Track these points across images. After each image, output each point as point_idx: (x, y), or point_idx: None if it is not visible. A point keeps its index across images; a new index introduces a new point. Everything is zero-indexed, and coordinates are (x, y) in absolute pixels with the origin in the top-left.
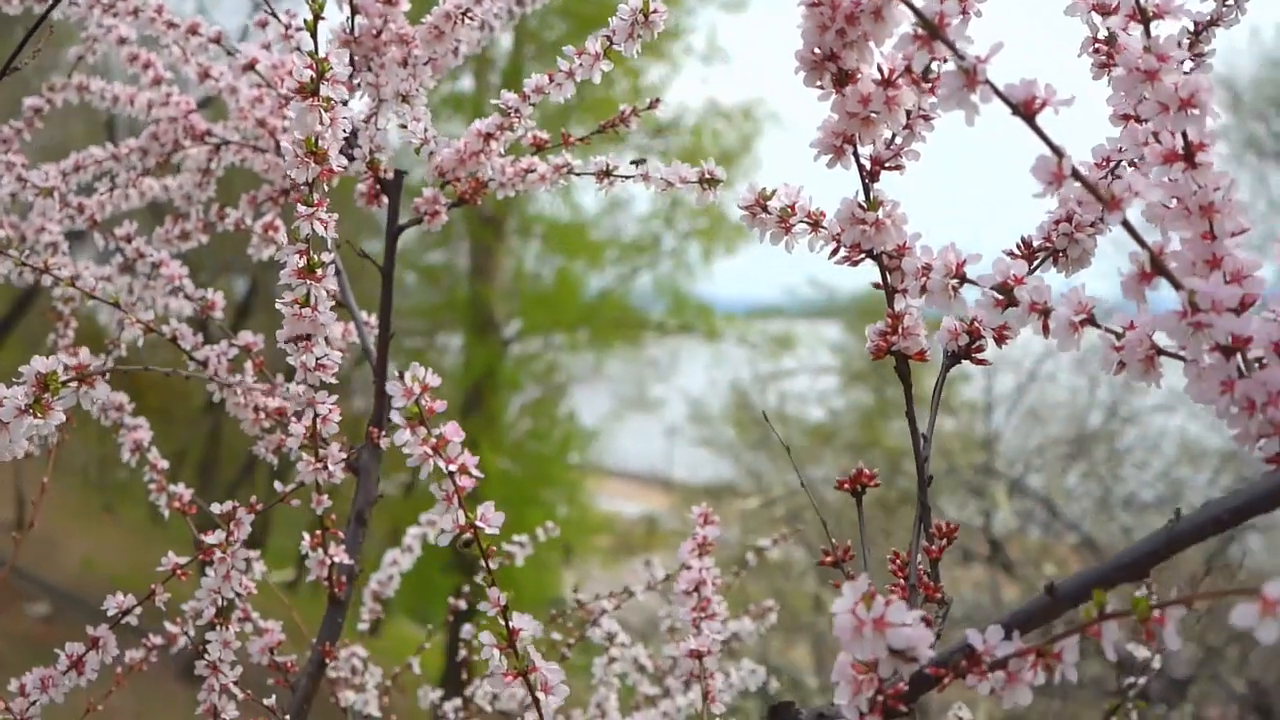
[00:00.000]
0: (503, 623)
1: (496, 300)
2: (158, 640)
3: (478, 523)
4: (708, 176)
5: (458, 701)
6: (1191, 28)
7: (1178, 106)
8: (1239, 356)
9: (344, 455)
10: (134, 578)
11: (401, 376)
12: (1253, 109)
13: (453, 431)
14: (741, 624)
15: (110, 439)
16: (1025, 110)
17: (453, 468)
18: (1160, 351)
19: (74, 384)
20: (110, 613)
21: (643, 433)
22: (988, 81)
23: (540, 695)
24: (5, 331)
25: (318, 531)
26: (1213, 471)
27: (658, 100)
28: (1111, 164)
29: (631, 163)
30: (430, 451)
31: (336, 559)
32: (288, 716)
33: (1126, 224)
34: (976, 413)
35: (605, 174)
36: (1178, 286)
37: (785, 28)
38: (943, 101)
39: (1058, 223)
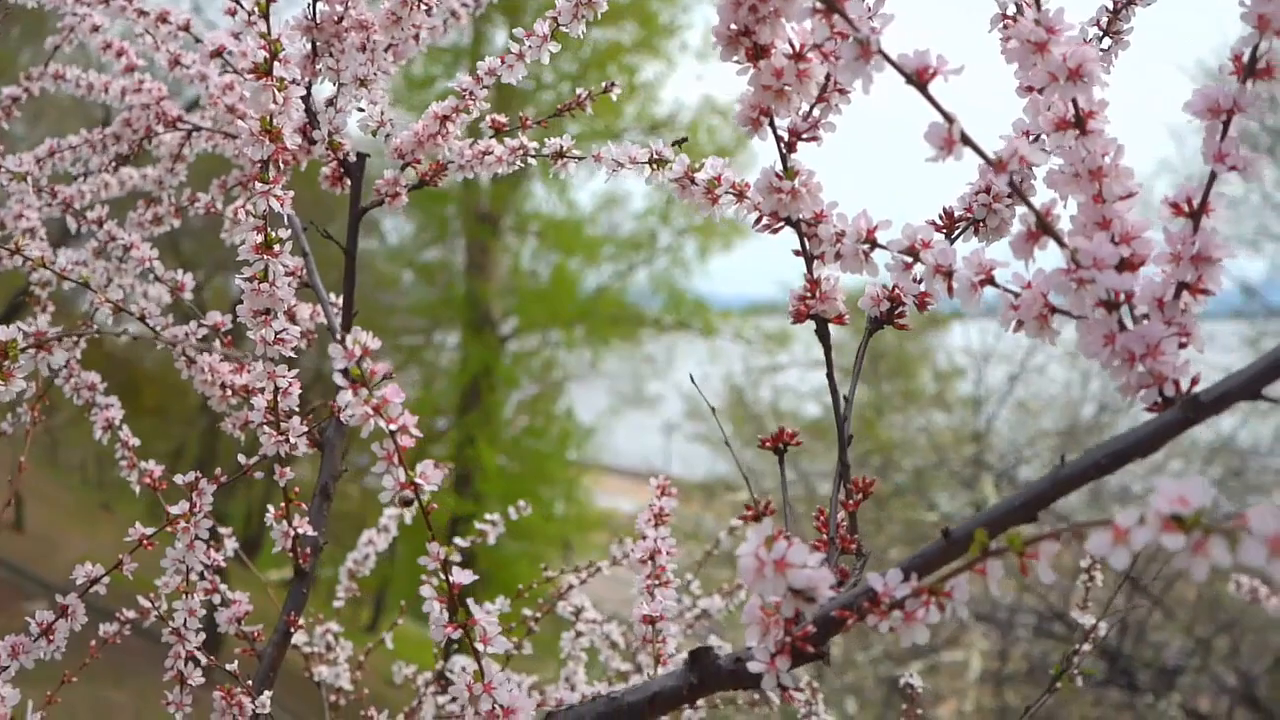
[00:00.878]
0: (443, 576)
1: (493, 297)
2: (130, 614)
3: (417, 480)
4: (656, 157)
5: (428, 675)
6: (1111, 6)
7: (1067, 76)
8: (1122, 311)
9: (305, 429)
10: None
11: (343, 341)
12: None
13: (393, 393)
14: (711, 601)
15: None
16: (918, 79)
17: (393, 427)
18: (1054, 309)
19: (32, 350)
20: (79, 582)
21: (640, 429)
22: (881, 52)
23: (479, 646)
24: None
25: (282, 504)
26: (1202, 463)
27: (613, 84)
28: (1031, 137)
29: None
30: (371, 412)
31: (300, 530)
32: (250, 681)
33: (1013, 185)
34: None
35: (559, 155)
36: (1063, 245)
37: None
38: (840, 72)
39: (977, 193)
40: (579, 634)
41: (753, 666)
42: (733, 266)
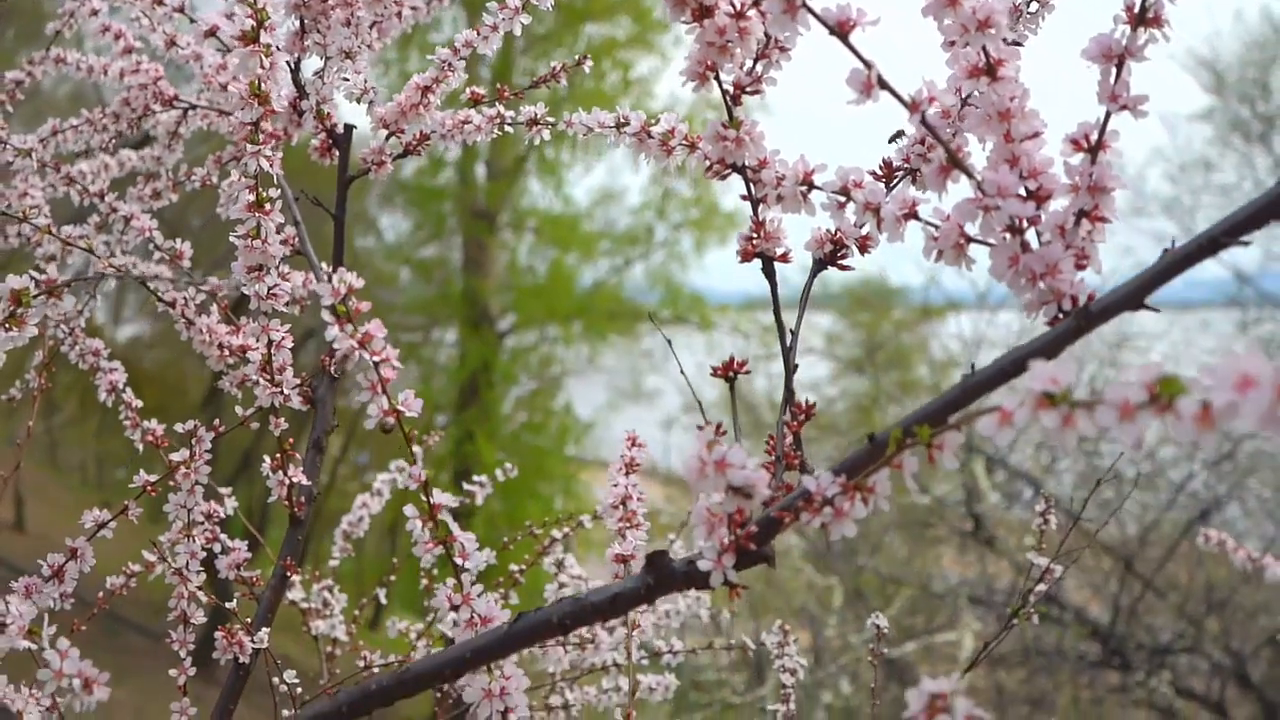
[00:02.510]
0: (424, 498)
1: (491, 294)
2: (135, 566)
3: (399, 406)
4: (622, 121)
5: (419, 626)
6: None
7: (976, 27)
8: (1029, 237)
9: (298, 381)
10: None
11: (330, 279)
12: (1237, 91)
13: (376, 328)
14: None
15: (108, 437)
16: (840, 30)
17: (377, 359)
18: (969, 239)
19: (43, 297)
20: (87, 525)
21: (638, 424)
22: (806, 6)
23: (459, 561)
24: None
25: (277, 455)
26: (1190, 446)
27: (585, 57)
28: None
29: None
30: (356, 345)
31: (295, 480)
32: (250, 620)
33: (925, 123)
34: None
35: (534, 122)
36: (971, 177)
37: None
38: (771, 26)
39: (913, 144)
40: (561, 585)
41: (702, 564)
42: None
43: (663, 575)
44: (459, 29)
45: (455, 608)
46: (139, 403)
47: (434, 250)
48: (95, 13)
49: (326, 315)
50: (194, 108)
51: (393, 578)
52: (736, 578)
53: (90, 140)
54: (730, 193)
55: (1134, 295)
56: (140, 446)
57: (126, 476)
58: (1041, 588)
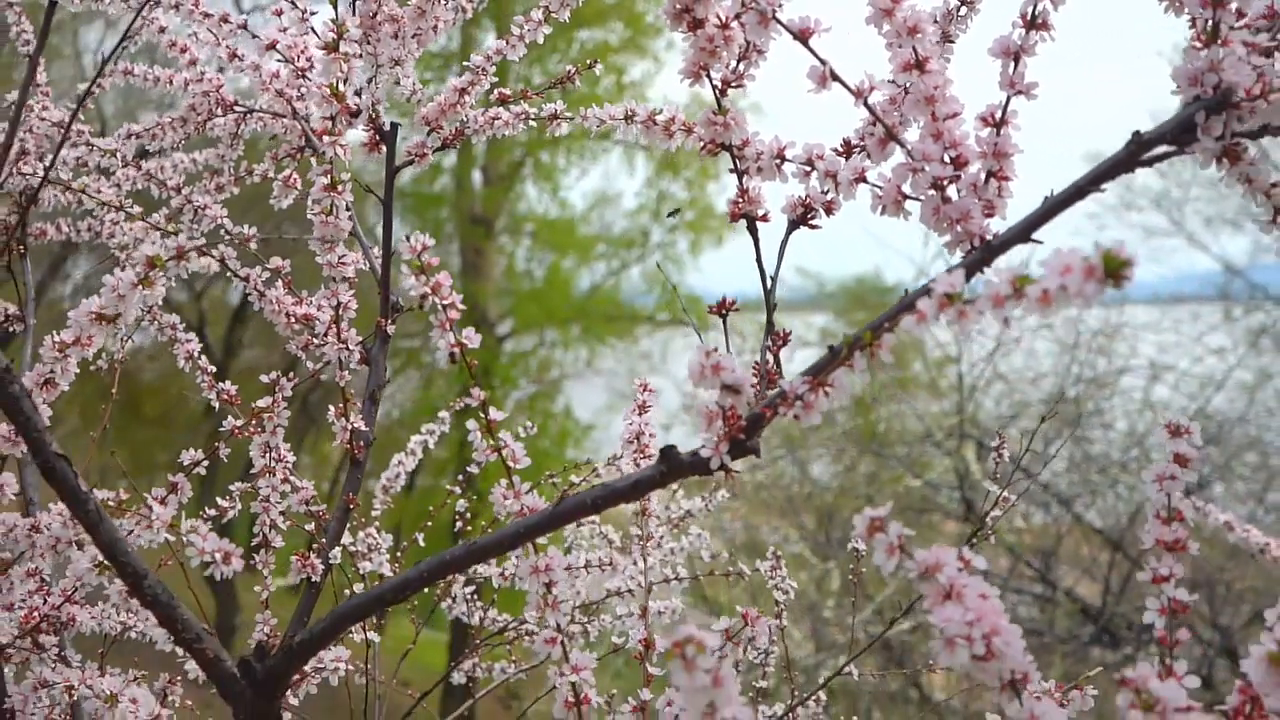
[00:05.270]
0: (483, 415)
1: (489, 299)
2: (212, 511)
3: (463, 340)
4: (630, 113)
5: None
6: None
7: (907, 33)
8: (948, 192)
9: (360, 339)
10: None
11: (408, 238)
12: None
13: (444, 279)
14: (693, 502)
15: (111, 448)
16: (802, 36)
17: (445, 302)
18: (904, 195)
19: (175, 260)
20: (185, 462)
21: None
22: (775, 18)
23: (510, 464)
24: None
25: (340, 405)
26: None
27: (595, 61)
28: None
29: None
30: (429, 291)
31: (356, 426)
32: (324, 540)
33: (868, 107)
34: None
35: (554, 117)
36: (903, 146)
37: None
38: (749, 34)
39: (865, 125)
40: (579, 525)
41: (703, 452)
42: (725, 261)
43: (673, 464)
44: (452, 38)
45: (506, 501)
46: (213, 368)
47: (432, 255)
48: (164, 30)
49: (405, 268)
50: (251, 111)
51: (429, 523)
52: (730, 463)
53: (162, 141)
54: (727, 195)
55: (1021, 233)
56: (216, 405)
57: (129, 488)
58: (997, 513)
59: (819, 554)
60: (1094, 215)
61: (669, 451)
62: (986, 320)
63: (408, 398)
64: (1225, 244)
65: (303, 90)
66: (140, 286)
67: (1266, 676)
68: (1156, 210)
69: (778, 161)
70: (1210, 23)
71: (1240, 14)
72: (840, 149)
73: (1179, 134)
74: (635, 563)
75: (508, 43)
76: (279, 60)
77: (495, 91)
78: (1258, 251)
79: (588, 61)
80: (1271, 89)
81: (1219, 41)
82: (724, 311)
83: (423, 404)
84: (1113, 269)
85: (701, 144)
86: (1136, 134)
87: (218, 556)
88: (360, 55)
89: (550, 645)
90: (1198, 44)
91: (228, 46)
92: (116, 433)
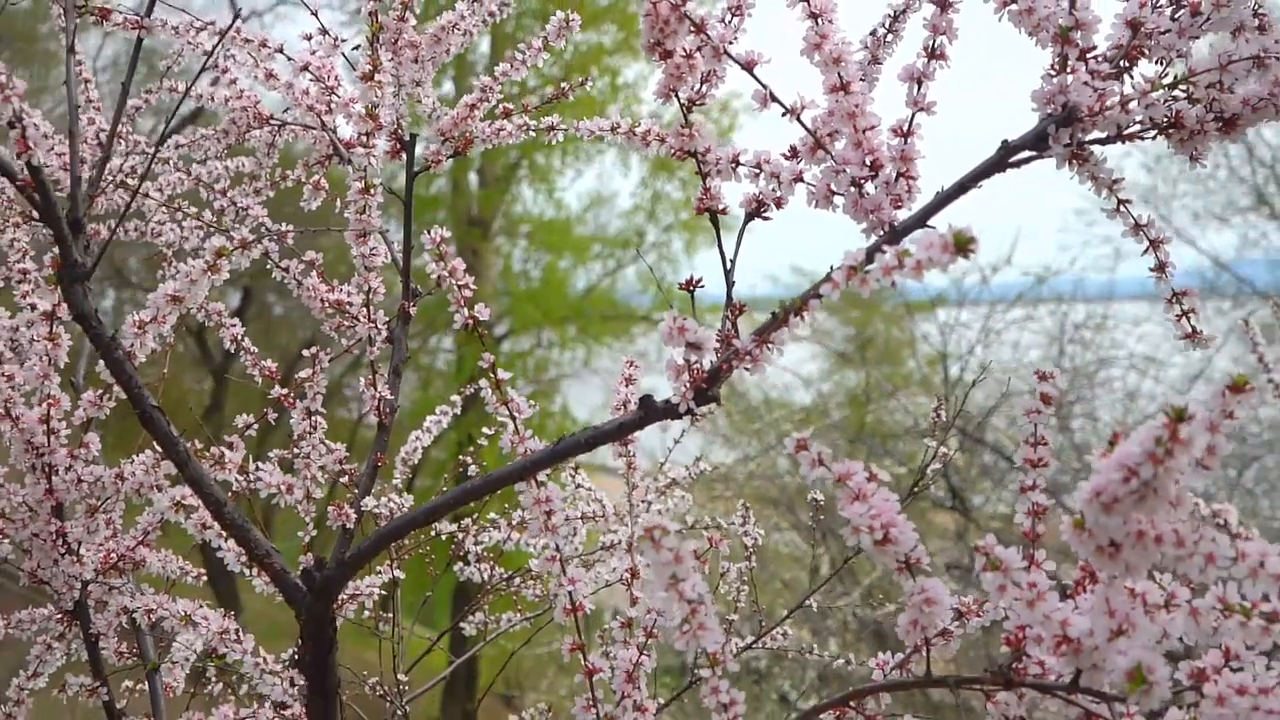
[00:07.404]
0: (493, 375)
1: (486, 300)
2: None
3: (475, 314)
4: (615, 125)
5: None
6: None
7: (833, 62)
8: (866, 189)
9: (387, 319)
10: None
11: (429, 231)
12: None
13: (459, 263)
14: (678, 471)
15: (116, 454)
16: (747, 65)
17: (460, 283)
18: (833, 192)
19: (238, 250)
20: (240, 425)
21: None
22: (726, 52)
23: (515, 414)
24: None
25: (369, 376)
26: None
27: (585, 79)
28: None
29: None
30: (447, 274)
31: (383, 394)
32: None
33: (799, 120)
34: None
35: (552, 128)
36: (828, 153)
37: (756, 27)
38: (706, 63)
39: (804, 138)
40: (578, 486)
41: (673, 398)
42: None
43: (650, 409)
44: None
45: (514, 441)
46: (255, 349)
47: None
48: (208, 54)
49: (427, 255)
50: (285, 124)
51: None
52: (695, 408)
53: (207, 150)
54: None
55: (919, 220)
56: (259, 380)
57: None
58: (936, 466)
59: (809, 541)
60: (1082, 212)
61: (646, 400)
62: (974, 315)
63: (407, 397)
64: (1212, 239)
65: (331, 104)
66: (209, 272)
67: (1074, 538)
68: (1144, 206)
69: (733, 165)
70: (1059, 55)
71: (1084, 53)
72: (786, 154)
73: (1036, 142)
74: (625, 524)
75: (511, 65)
76: (310, 79)
77: (499, 105)
78: (1244, 246)
79: (579, 80)
80: (1106, 107)
81: (1067, 70)
82: (691, 289)
83: (422, 404)
84: (961, 245)
85: (671, 150)
86: (1005, 142)
87: (282, 488)
88: (389, 82)
89: (550, 564)
90: (1051, 72)
91: (264, 67)
92: (118, 433)
